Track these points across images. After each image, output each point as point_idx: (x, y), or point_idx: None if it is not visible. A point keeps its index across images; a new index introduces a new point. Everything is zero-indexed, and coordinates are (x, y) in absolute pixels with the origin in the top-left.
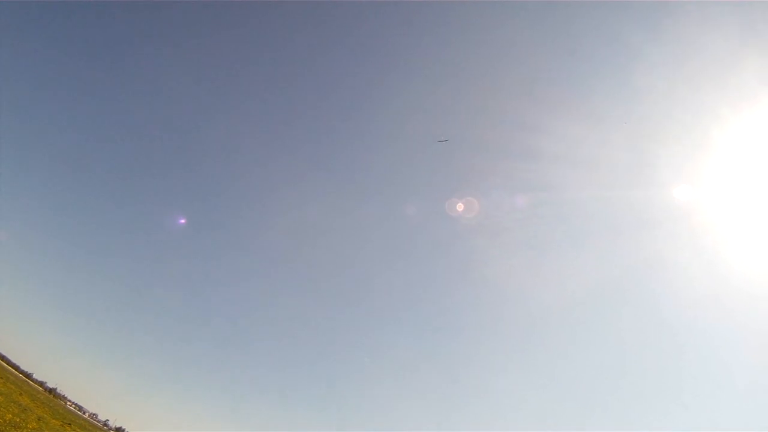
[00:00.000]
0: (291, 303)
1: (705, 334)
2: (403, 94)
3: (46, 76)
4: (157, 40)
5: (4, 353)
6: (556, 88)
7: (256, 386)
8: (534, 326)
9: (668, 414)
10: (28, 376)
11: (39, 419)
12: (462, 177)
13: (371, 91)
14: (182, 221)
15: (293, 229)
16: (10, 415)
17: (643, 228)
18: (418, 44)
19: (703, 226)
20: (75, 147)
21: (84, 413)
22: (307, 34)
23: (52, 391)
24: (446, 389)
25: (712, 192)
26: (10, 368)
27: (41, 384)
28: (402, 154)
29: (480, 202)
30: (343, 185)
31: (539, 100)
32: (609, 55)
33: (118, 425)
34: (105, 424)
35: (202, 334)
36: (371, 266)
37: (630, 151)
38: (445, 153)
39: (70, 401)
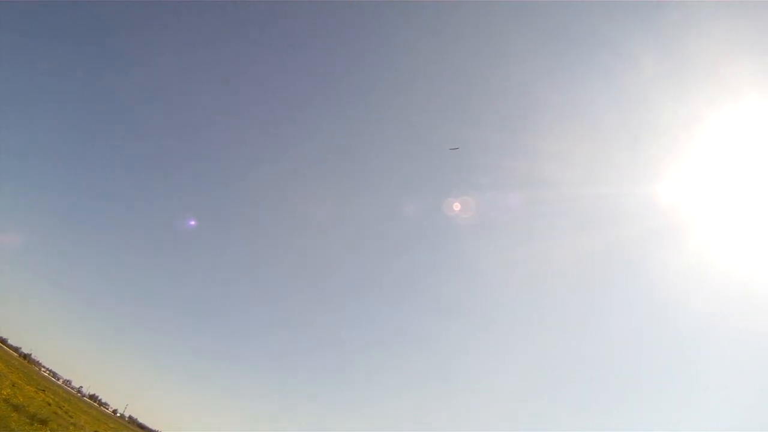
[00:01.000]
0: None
1: (702, 331)
2: (399, 94)
3: (55, 78)
4: (163, 42)
5: None
6: (549, 86)
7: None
8: (521, 311)
9: (660, 407)
10: (3, 341)
11: (13, 385)
12: (458, 175)
13: (368, 90)
14: (192, 222)
15: (291, 224)
16: None
17: (638, 222)
18: (416, 43)
19: (691, 222)
20: (84, 151)
21: (58, 379)
22: (306, 34)
23: (26, 357)
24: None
25: (704, 188)
26: None
27: (16, 349)
28: (399, 153)
29: (474, 198)
30: (341, 183)
31: (533, 98)
32: (600, 55)
33: (91, 392)
34: (79, 390)
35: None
36: (367, 258)
37: (624, 147)
38: (442, 152)
39: (44, 367)
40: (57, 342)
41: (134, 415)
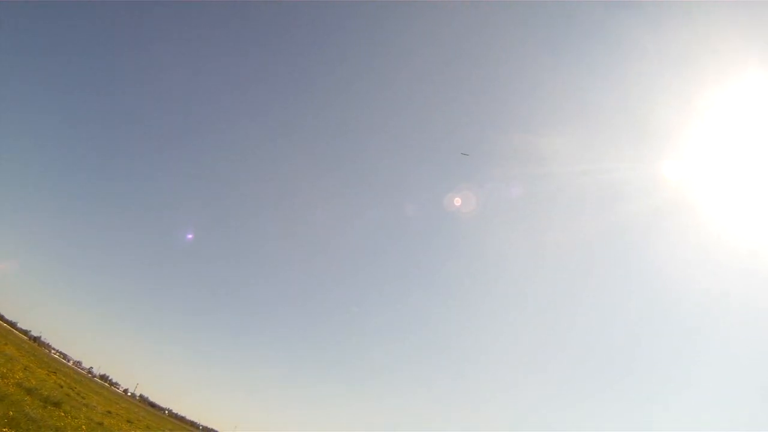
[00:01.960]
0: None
1: (706, 314)
2: (397, 91)
3: (55, 89)
4: (161, 46)
5: None
6: (546, 69)
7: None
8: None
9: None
10: (12, 325)
11: (25, 369)
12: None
13: (364, 89)
14: (190, 236)
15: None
16: None
17: (640, 202)
18: (409, 39)
19: (694, 201)
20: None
21: (68, 361)
22: (305, 35)
23: (36, 340)
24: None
25: (707, 166)
26: None
27: (25, 333)
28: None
29: (475, 191)
30: (342, 182)
31: (530, 82)
32: (598, 33)
33: (101, 373)
34: (89, 371)
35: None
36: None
37: (625, 126)
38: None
39: (54, 349)
40: (64, 323)
41: (145, 394)
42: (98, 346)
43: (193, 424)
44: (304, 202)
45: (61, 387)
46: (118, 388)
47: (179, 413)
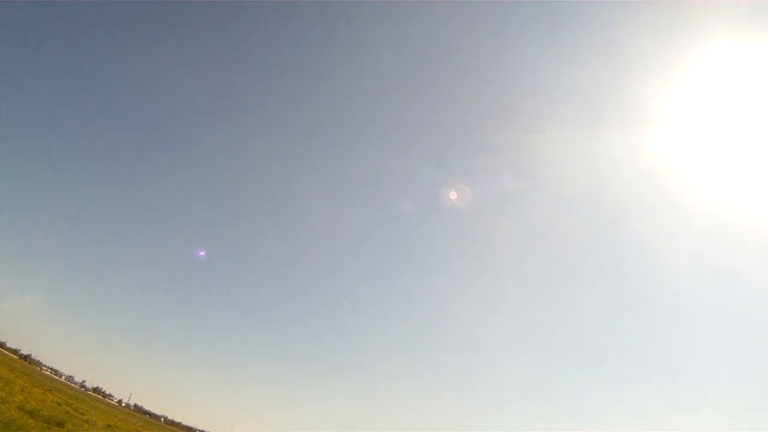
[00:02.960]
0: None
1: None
2: (388, 89)
3: (64, 107)
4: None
5: None
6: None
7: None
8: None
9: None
10: (2, 345)
11: (22, 390)
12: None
13: (360, 87)
14: (202, 254)
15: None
16: None
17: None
18: (399, 31)
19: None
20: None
21: (60, 377)
22: (300, 35)
23: (27, 358)
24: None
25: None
26: None
27: (15, 351)
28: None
29: (470, 185)
30: (334, 175)
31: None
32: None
33: (94, 386)
34: (82, 385)
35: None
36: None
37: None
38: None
39: (45, 366)
40: (53, 338)
41: (139, 403)
42: (86, 357)
43: (190, 429)
44: (296, 198)
45: (60, 405)
46: (112, 400)
47: (175, 419)
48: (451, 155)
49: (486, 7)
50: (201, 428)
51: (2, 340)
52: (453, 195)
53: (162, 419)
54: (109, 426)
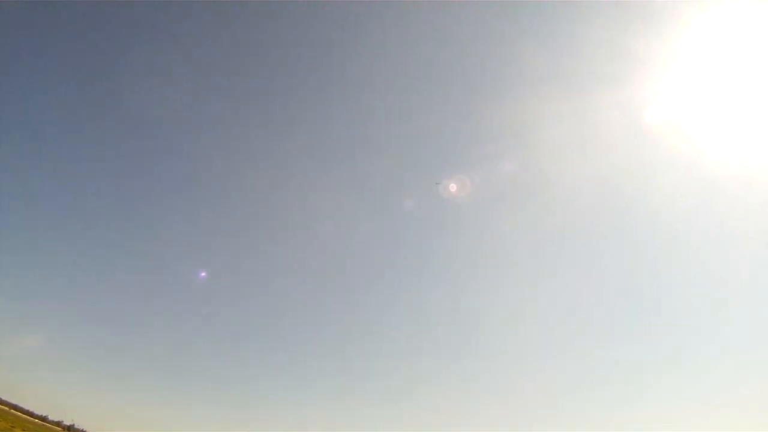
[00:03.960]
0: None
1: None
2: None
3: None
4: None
5: None
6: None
7: None
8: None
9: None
10: None
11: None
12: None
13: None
14: (203, 274)
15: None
16: None
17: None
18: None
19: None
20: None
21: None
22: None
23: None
24: None
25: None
26: None
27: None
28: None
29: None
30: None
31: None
32: None
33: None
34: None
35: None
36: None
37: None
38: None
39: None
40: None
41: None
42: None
43: None
44: (295, 202)
45: None
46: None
47: None
48: (447, 145)
49: None
50: None
51: None
52: (452, 187)
53: None
54: None
